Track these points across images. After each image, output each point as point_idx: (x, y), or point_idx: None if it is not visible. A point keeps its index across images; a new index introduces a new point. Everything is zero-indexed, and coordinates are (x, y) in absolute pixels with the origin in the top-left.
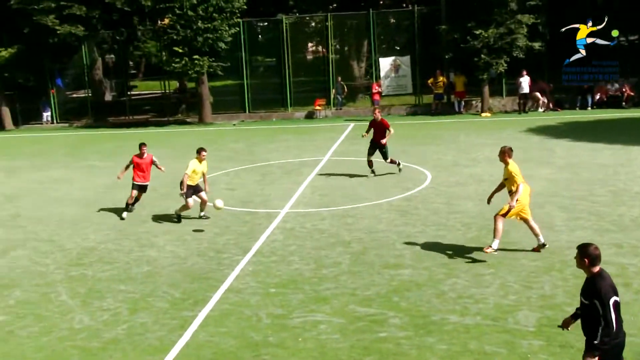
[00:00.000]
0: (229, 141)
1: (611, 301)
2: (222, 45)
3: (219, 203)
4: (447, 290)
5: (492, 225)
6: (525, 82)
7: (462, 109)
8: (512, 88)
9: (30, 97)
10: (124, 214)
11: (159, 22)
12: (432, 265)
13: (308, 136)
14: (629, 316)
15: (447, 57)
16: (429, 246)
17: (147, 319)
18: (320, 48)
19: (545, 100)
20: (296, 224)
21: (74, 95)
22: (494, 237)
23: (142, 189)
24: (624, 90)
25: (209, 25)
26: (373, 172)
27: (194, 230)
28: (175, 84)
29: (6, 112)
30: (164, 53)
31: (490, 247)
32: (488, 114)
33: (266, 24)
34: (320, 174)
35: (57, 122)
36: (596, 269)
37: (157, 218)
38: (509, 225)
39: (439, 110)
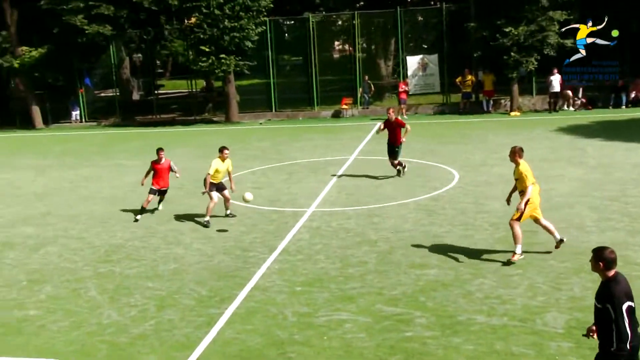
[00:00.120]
0: (255, 140)
1: (624, 307)
2: (249, 44)
3: (249, 196)
4: (474, 291)
5: None
6: (556, 80)
7: (490, 108)
8: (543, 86)
9: (60, 97)
10: (138, 217)
11: (186, 21)
12: (459, 266)
13: (334, 135)
14: None
15: (475, 55)
16: (456, 246)
17: (174, 315)
18: (347, 46)
19: (578, 98)
20: (322, 222)
21: (102, 95)
22: (515, 242)
23: (161, 193)
24: None
25: (236, 24)
26: (399, 170)
27: (218, 230)
28: (202, 83)
29: (36, 111)
30: (190, 52)
31: (515, 254)
32: (517, 113)
33: (293, 22)
34: (347, 174)
35: (85, 121)
36: (611, 273)
37: (184, 216)
38: (537, 227)
39: (467, 110)
